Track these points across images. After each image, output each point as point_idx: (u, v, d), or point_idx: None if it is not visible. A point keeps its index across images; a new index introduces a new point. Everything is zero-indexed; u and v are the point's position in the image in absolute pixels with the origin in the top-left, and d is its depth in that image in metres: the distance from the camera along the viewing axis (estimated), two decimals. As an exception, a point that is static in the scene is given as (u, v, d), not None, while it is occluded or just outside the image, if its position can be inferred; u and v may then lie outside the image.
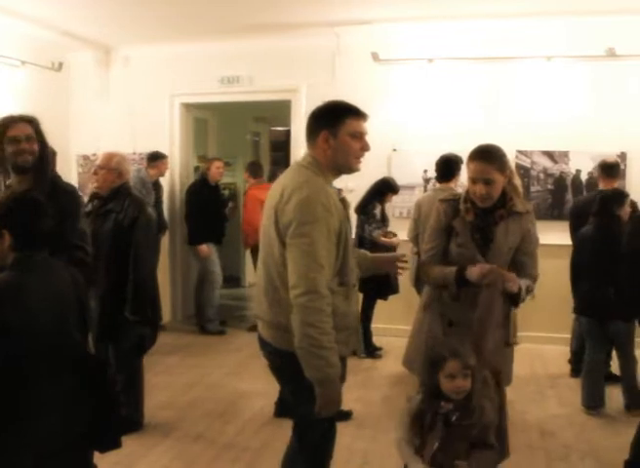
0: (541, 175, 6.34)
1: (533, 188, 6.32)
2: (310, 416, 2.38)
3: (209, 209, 6.82)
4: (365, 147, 2.43)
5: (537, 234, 3.01)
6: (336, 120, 2.39)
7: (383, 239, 5.62)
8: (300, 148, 6.77)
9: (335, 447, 2.62)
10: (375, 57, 6.42)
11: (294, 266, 2.25)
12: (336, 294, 2.32)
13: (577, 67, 6.19)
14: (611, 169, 5.02)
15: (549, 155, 6.31)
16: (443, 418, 2.40)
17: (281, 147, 10.10)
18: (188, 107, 7.33)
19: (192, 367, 5.59)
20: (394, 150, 6.33)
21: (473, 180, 2.81)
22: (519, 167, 6.32)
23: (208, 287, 6.82)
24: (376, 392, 4.86)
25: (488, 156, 2.79)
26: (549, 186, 6.33)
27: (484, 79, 6.34)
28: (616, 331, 4.45)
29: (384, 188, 5.77)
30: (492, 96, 6.33)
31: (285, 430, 4.15)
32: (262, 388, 4.90)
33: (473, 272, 2.72)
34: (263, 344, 2.54)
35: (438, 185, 5.19)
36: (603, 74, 6.14)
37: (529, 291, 2.87)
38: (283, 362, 2.45)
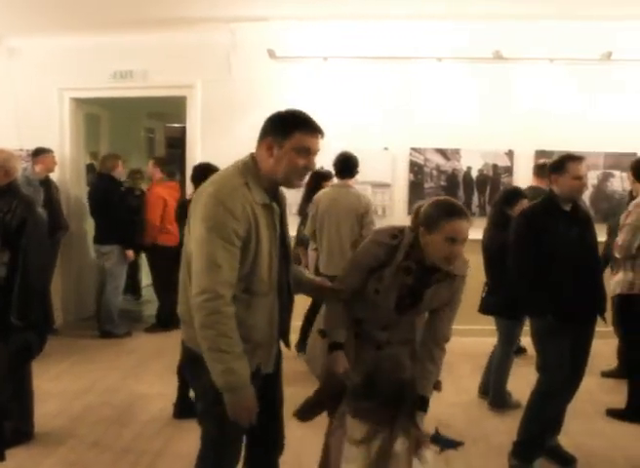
0: (434, 172, 6.55)
1: (426, 185, 6.52)
2: (202, 415, 2.38)
3: (124, 207, 6.66)
4: (309, 166, 2.26)
5: (461, 297, 2.74)
6: (285, 130, 2.22)
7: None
8: (196, 145, 6.70)
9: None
10: (271, 54, 6.41)
11: (194, 265, 2.17)
12: (237, 301, 2.19)
13: (466, 69, 6.44)
14: (541, 168, 5.23)
15: (442, 153, 6.53)
16: None
17: (177, 144, 9.91)
18: (79, 102, 7.05)
19: (86, 371, 5.38)
20: (291, 147, 6.35)
21: (452, 240, 2.44)
22: (413, 164, 6.51)
23: (113, 290, 6.58)
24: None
25: (466, 213, 2.50)
26: (442, 183, 6.55)
27: (378, 78, 6.48)
28: (500, 326, 4.64)
29: (317, 181, 5.67)
30: (386, 94, 6.48)
31: (184, 431, 4.12)
32: (161, 390, 4.81)
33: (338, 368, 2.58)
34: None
35: (337, 182, 5.24)
36: (491, 75, 6.43)
37: (436, 387, 2.76)
38: (184, 356, 2.46)
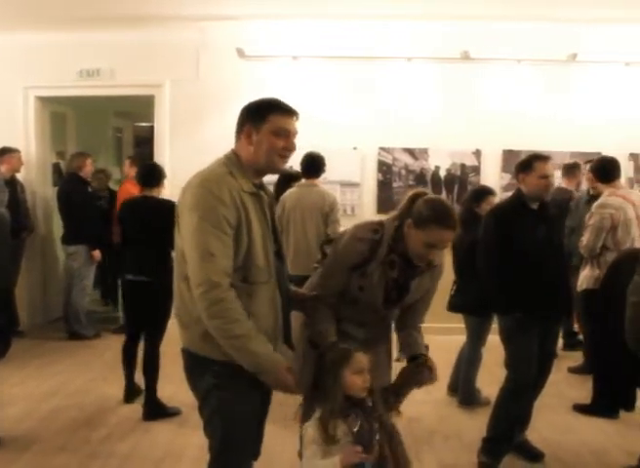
0: (403, 172, 6.58)
1: (395, 184, 6.56)
2: (207, 422, 2.31)
3: (91, 207, 6.56)
4: (289, 146, 2.28)
5: (437, 285, 2.80)
6: (260, 115, 2.25)
7: None
8: (164, 145, 6.65)
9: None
10: (240, 53, 6.39)
11: (188, 259, 2.14)
12: (236, 290, 2.15)
13: (434, 69, 6.50)
14: (570, 169, 5.31)
15: (410, 152, 6.57)
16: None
17: (146, 144, 9.81)
18: (44, 101, 6.94)
19: (53, 374, 5.30)
20: (261, 147, 6.34)
21: (431, 245, 2.48)
22: (382, 163, 6.54)
23: (80, 291, 6.47)
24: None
25: (456, 224, 2.49)
26: (410, 182, 6.59)
27: (348, 78, 6.51)
28: (469, 324, 4.69)
29: (287, 181, 5.53)
30: (355, 94, 6.51)
31: (153, 434, 4.08)
32: (130, 392, 4.77)
33: None
34: None
35: (304, 181, 5.23)
36: (459, 76, 6.50)
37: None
38: (184, 361, 2.35)
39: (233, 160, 2.28)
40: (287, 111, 2.29)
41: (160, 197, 4.56)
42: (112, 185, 7.96)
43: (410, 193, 2.67)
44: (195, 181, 2.19)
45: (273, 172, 2.37)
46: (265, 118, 2.24)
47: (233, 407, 2.23)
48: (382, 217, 2.75)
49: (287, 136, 2.27)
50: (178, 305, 2.31)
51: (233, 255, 2.15)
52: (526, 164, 3.56)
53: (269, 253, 2.28)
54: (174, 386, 4.76)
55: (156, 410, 4.35)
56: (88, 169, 6.58)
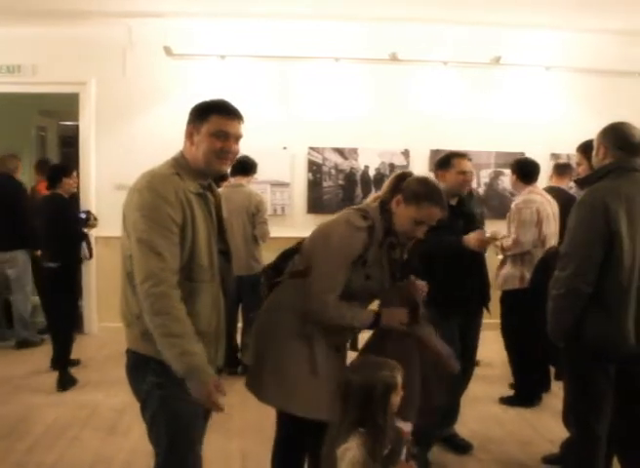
0: (333, 171, 6.63)
1: (325, 184, 6.61)
2: (150, 425, 2.27)
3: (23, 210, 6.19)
4: (225, 148, 2.26)
5: None
6: (202, 115, 2.26)
7: None
8: (90, 144, 6.48)
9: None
10: (167, 51, 6.30)
11: (134, 258, 2.13)
12: (180, 289, 2.15)
13: (363, 69, 6.57)
14: (561, 168, 5.31)
15: (340, 152, 6.63)
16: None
17: (72, 143, 9.54)
18: (-40, 98, 6.67)
19: (-27, 384, 5.09)
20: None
21: (419, 222, 2.55)
22: (312, 163, 6.57)
23: (23, 297, 6.18)
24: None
25: (445, 202, 2.61)
26: (340, 182, 6.65)
27: (276, 77, 6.52)
28: None
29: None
30: (284, 93, 6.53)
31: (81, 441, 3.98)
32: (57, 399, 4.66)
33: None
34: None
35: (233, 180, 5.20)
36: (387, 76, 6.60)
37: None
38: (127, 361, 2.31)
39: (181, 162, 2.29)
40: (229, 113, 2.29)
41: (65, 194, 5.14)
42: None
43: (396, 173, 2.72)
44: (141, 183, 2.20)
45: (214, 173, 2.36)
46: (207, 118, 2.25)
47: (176, 405, 2.20)
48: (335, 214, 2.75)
49: (226, 139, 2.26)
50: (121, 304, 2.30)
51: (179, 253, 2.16)
52: (444, 161, 3.66)
53: (214, 253, 2.30)
54: (102, 393, 4.69)
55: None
56: (20, 171, 6.34)
